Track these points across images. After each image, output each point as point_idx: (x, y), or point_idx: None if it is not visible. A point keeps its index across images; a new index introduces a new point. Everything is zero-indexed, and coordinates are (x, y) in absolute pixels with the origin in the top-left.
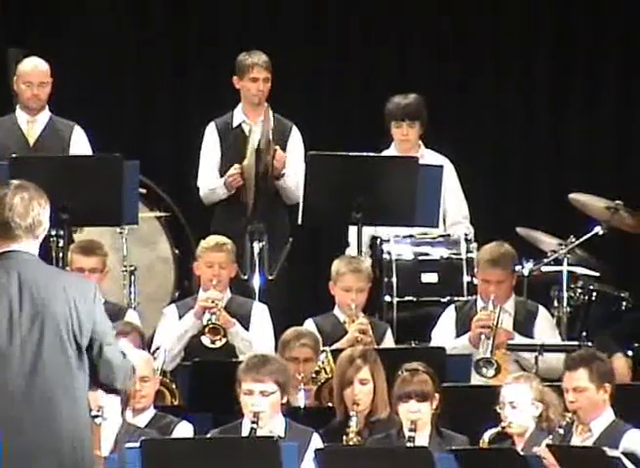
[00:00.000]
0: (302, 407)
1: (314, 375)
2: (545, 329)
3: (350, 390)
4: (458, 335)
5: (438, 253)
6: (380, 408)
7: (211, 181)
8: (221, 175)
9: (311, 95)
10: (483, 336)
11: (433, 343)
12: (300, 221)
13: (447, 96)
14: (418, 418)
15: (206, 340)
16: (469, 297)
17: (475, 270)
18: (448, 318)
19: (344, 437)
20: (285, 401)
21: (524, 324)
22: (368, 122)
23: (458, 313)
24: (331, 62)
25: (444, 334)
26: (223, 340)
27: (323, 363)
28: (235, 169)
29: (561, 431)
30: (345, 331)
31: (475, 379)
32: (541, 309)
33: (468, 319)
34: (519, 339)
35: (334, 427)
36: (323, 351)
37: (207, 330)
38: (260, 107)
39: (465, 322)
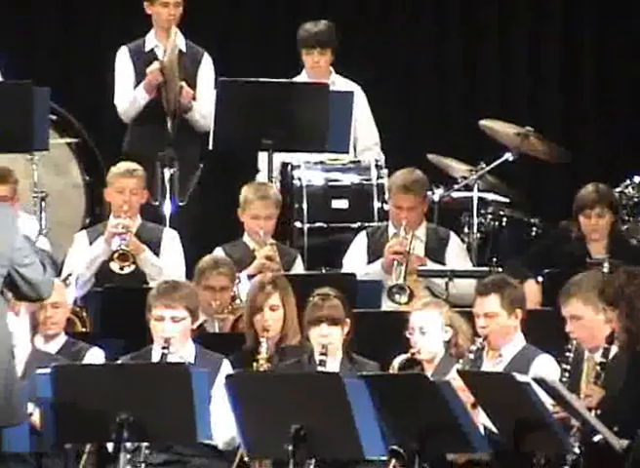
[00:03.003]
0: (214, 333)
1: (230, 303)
2: (457, 254)
3: (260, 316)
4: (369, 262)
5: (349, 179)
6: (291, 334)
7: (129, 94)
8: None
9: (224, 22)
10: (395, 263)
11: (345, 269)
12: (210, 147)
13: (358, 22)
14: (328, 343)
15: (115, 266)
16: (380, 223)
17: (386, 196)
18: (359, 244)
19: (255, 363)
20: (195, 327)
21: (435, 250)
22: (280, 48)
23: (369, 239)
24: None
25: (355, 261)
26: (133, 266)
27: (237, 290)
28: (155, 64)
29: (472, 356)
30: (255, 258)
31: (386, 305)
32: (453, 235)
33: (380, 245)
34: (431, 265)
35: (244, 353)
36: (238, 278)
37: (116, 255)
38: (172, 32)
39: (377, 248)
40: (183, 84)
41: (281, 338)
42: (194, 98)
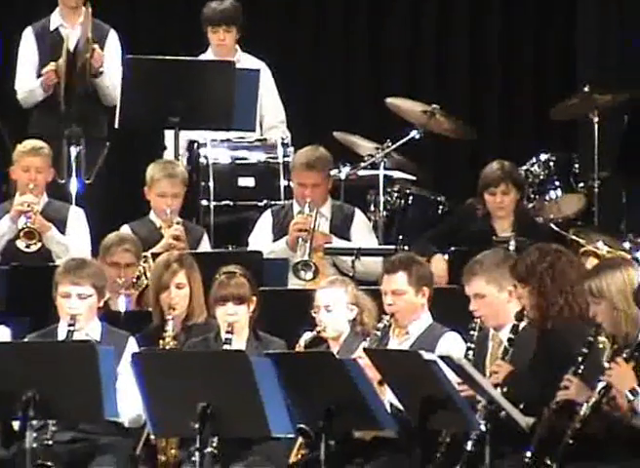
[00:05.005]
0: (122, 311)
1: (135, 280)
2: (362, 232)
3: (166, 294)
4: (275, 239)
5: (255, 157)
6: (197, 312)
7: (28, 83)
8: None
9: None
10: (300, 240)
11: (250, 247)
12: (117, 125)
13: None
14: (235, 321)
15: (21, 244)
16: (285, 201)
17: (291, 174)
18: (265, 222)
19: (161, 341)
20: (101, 304)
21: (341, 227)
22: (186, 26)
23: (274, 217)
24: None
25: (261, 239)
26: (39, 244)
27: (144, 268)
28: (50, 66)
29: (378, 334)
30: (161, 236)
31: (292, 283)
32: (358, 212)
33: (285, 223)
34: (337, 242)
35: (150, 331)
36: (145, 257)
37: (22, 233)
38: (78, 11)
39: (282, 226)
40: (96, 46)
41: (187, 316)
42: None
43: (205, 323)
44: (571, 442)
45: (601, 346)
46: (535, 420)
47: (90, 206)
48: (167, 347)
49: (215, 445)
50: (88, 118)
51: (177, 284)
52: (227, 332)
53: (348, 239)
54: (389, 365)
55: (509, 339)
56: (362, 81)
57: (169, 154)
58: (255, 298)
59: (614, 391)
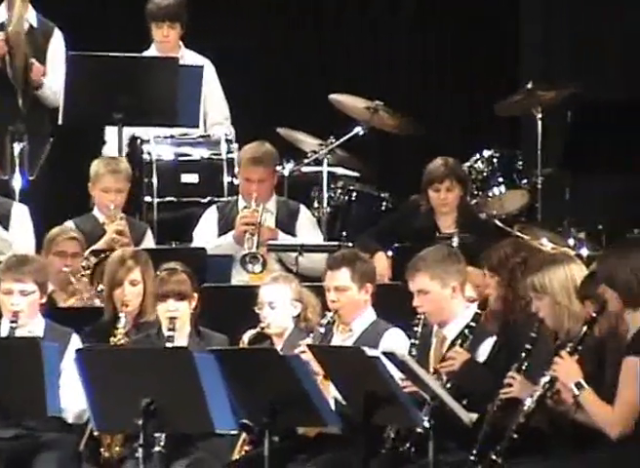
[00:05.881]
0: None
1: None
2: (307, 228)
3: (120, 291)
4: (220, 235)
5: (199, 153)
6: (149, 309)
7: None
8: None
9: None
10: (247, 234)
11: (195, 242)
12: (60, 121)
13: None
14: (176, 317)
15: None
16: (230, 198)
17: (236, 170)
18: (210, 217)
19: (112, 338)
20: (44, 301)
21: (286, 223)
22: (130, 22)
23: (219, 213)
24: None
25: (206, 234)
26: None
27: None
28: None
29: (322, 330)
30: (104, 231)
31: (236, 280)
32: (303, 208)
33: (230, 219)
34: (283, 238)
35: (101, 326)
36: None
37: None
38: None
39: (227, 222)
40: (34, 60)
41: (139, 313)
42: (44, 74)
43: (156, 320)
44: (515, 436)
45: None
46: (478, 416)
47: (33, 202)
48: (119, 343)
49: (162, 443)
50: (32, 114)
51: (131, 280)
52: (169, 329)
53: (294, 235)
54: (333, 361)
55: (469, 326)
56: (306, 77)
57: (108, 149)
58: (196, 295)
59: (558, 385)
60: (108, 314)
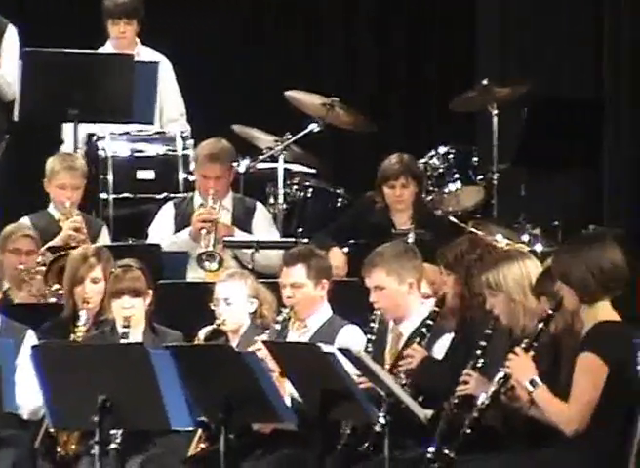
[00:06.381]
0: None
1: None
2: (263, 225)
3: (81, 288)
4: (176, 231)
5: (154, 149)
6: (110, 307)
7: None
8: None
9: None
10: (204, 231)
11: (151, 238)
12: (15, 118)
13: None
14: (131, 314)
15: None
16: (186, 194)
17: (192, 167)
18: (166, 214)
19: (72, 335)
20: (0, 297)
21: (242, 220)
22: (86, 18)
23: (176, 209)
24: None
25: (162, 230)
26: None
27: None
28: None
29: (277, 327)
30: (60, 228)
31: (191, 277)
32: (259, 205)
33: (186, 215)
34: (239, 235)
35: (60, 321)
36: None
37: None
38: None
39: (184, 218)
40: None
41: (100, 311)
42: None
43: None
44: (469, 431)
45: None
46: (433, 413)
47: None
48: (78, 340)
49: (118, 440)
50: None
51: (92, 278)
52: (124, 326)
53: (250, 232)
54: (288, 357)
55: (427, 325)
56: (261, 74)
57: (67, 147)
58: (151, 292)
59: (512, 381)
60: (68, 311)
